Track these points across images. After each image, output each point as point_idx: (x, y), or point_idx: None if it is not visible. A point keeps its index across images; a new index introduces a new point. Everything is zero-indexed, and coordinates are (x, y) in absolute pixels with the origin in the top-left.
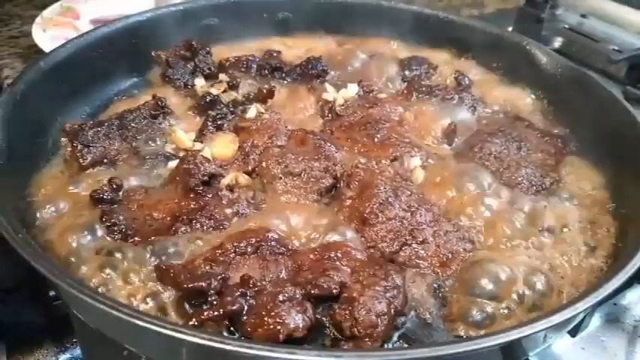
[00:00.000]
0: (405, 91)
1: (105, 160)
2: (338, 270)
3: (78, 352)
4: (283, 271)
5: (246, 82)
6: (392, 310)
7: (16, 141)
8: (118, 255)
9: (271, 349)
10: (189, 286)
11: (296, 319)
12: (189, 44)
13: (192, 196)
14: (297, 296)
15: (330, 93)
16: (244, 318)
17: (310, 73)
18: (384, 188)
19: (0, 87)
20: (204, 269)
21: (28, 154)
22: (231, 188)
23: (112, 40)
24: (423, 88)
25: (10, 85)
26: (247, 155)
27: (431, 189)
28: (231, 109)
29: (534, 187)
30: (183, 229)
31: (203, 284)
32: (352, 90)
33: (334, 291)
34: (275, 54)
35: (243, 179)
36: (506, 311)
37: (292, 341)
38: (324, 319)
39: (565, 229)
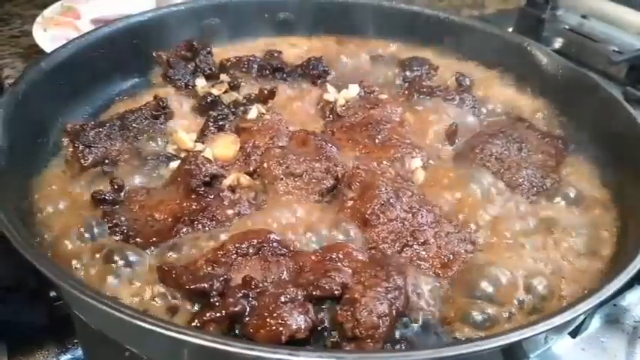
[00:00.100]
0: (406, 92)
1: (106, 161)
2: (339, 271)
3: (79, 352)
4: (285, 273)
5: (247, 82)
6: (393, 312)
7: (18, 141)
8: (120, 256)
9: (274, 350)
10: (192, 287)
11: (298, 321)
12: (190, 44)
13: (193, 196)
14: (299, 297)
15: (331, 94)
16: (246, 319)
17: (311, 73)
18: (386, 189)
19: (1, 86)
20: (206, 270)
21: (30, 154)
22: (232, 189)
23: (113, 41)
24: (424, 89)
25: (12, 86)
26: (248, 156)
27: (432, 190)
28: (233, 110)
29: (535, 189)
30: (184, 230)
31: (205, 285)
32: (353, 91)
33: (336, 292)
34: (276, 54)
35: (245, 180)
36: (506, 314)
37: (294, 342)
38: (325, 320)
39: (566, 231)
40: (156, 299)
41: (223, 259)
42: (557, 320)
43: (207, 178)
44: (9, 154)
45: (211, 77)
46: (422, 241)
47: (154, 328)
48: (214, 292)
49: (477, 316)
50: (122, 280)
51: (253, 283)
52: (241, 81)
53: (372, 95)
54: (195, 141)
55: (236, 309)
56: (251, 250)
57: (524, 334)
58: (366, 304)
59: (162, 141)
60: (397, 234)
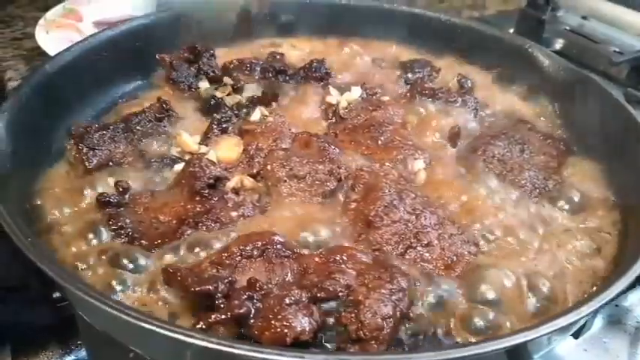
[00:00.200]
0: (408, 94)
1: (110, 163)
2: (343, 273)
3: (83, 353)
4: (289, 274)
5: (250, 85)
6: (397, 313)
7: (22, 144)
8: (125, 258)
9: (280, 352)
10: (197, 289)
11: (302, 322)
12: (192, 47)
13: (198, 199)
14: (304, 299)
15: (333, 96)
16: (251, 321)
17: (314, 75)
18: (389, 191)
19: (3, 89)
20: (211, 272)
21: (34, 157)
22: (236, 191)
23: (116, 43)
24: (426, 91)
25: (16, 89)
26: (252, 158)
27: (435, 191)
28: (236, 112)
29: (537, 190)
30: (189, 232)
31: (210, 287)
32: (355, 93)
33: (340, 294)
34: (278, 56)
35: (248, 182)
36: (508, 323)
37: (298, 344)
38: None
39: (568, 232)
40: (159, 301)
41: (228, 261)
42: (562, 322)
43: (211, 181)
44: (13, 156)
45: (214, 80)
46: (425, 242)
47: (161, 330)
48: (219, 294)
49: (478, 321)
50: (127, 281)
51: (258, 285)
52: (244, 83)
53: (374, 97)
54: (199, 143)
55: (241, 311)
56: (255, 252)
57: (528, 335)
58: (370, 306)
59: (166, 143)
60: (401, 236)
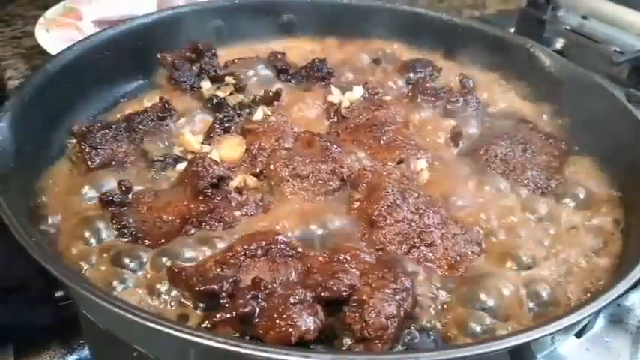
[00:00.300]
0: (410, 94)
1: (113, 163)
2: (347, 272)
3: (85, 352)
4: (293, 274)
5: (251, 84)
6: (402, 313)
7: (24, 143)
8: (128, 257)
9: (285, 352)
10: (202, 288)
11: (307, 322)
12: (194, 46)
13: (201, 198)
14: (308, 298)
15: (335, 95)
16: (256, 320)
17: (315, 75)
18: (392, 191)
19: (3, 87)
20: (215, 272)
21: (36, 156)
22: (239, 191)
23: (117, 43)
24: (428, 91)
25: (18, 88)
26: (255, 158)
27: (437, 191)
28: (238, 112)
29: (540, 190)
30: (193, 231)
31: (215, 287)
32: (357, 92)
33: (344, 293)
34: (280, 56)
35: (251, 182)
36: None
37: (302, 343)
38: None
39: (571, 231)
40: (165, 301)
41: (232, 261)
42: (566, 321)
43: (214, 180)
44: (16, 156)
45: (216, 79)
46: (429, 242)
47: (167, 330)
48: (224, 294)
49: (476, 326)
50: (130, 280)
51: (262, 284)
52: (246, 83)
53: (376, 97)
54: (202, 143)
55: (246, 310)
56: (259, 252)
57: (532, 335)
58: (375, 306)
59: (169, 143)
60: (404, 235)
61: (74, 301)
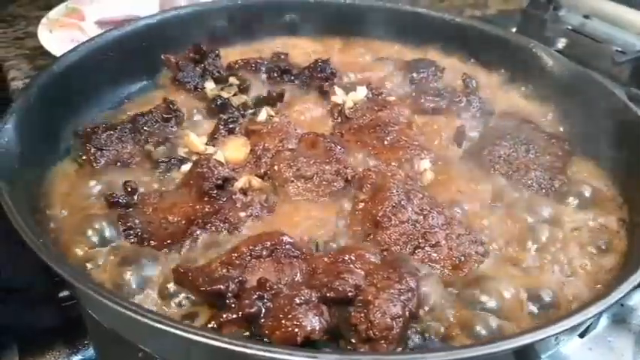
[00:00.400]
0: (413, 94)
1: (118, 164)
2: (352, 273)
3: (90, 353)
4: (298, 274)
5: (255, 85)
6: (407, 313)
7: (30, 144)
8: (134, 258)
9: (291, 352)
10: (208, 289)
11: (313, 322)
12: (198, 47)
13: (206, 199)
14: (314, 299)
15: (339, 96)
16: (262, 320)
17: (319, 75)
18: (397, 191)
19: (6, 88)
20: (221, 272)
21: (42, 157)
22: (244, 191)
23: (121, 44)
24: (431, 91)
25: (24, 90)
26: (259, 158)
27: (441, 191)
28: (242, 113)
29: (544, 190)
30: (198, 232)
31: (221, 287)
32: (361, 93)
33: (349, 294)
34: (283, 56)
35: (256, 182)
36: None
37: (307, 344)
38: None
39: (576, 230)
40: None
41: (237, 261)
42: (571, 322)
43: (219, 181)
44: (22, 156)
45: (220, 80)
46: (433, 242)
47: (175, 331)
48: (230, 294)
49: (480, 329)
50: (136, 281)
51: (268, 285)
52: (250, 84)
53: (379, 97)
54: (206, 144)
55: (252, 310)
56: (264, 253)
57: (538, 335)
58: (380, 306)
59: (174, 144)
60: (409, 236)
61: (79, 301)
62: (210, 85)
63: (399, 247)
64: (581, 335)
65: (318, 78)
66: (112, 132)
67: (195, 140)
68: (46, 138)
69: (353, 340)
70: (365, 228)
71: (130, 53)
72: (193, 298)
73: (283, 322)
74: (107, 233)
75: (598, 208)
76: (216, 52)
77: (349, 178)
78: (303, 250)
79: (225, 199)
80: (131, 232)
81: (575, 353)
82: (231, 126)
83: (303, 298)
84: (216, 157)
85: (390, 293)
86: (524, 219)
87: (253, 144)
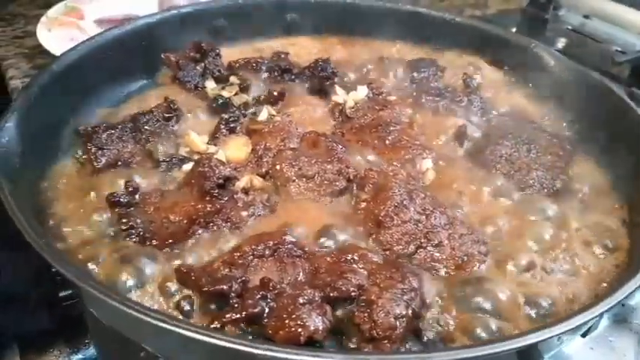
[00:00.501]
0: (414, 93)
1: (119, 163)
2: (355, 272)
3: (91, 352)
4: (301, 274)
5: (256, 84)
6: (410, 313)
7: (30, 143)
8: (137, 257)
9: (297, 352)
10: (211, 289)
11: (316, 322)
12: (198, 46)
13: (208, 198)
14: (317, 299)
15: (339, 95)
16: (265, 320)
17: (320, 75)
18: (399, 191)
19: (5, 87)
20: (224, 272)
21: (42, 156)
22: (245, 191)
23: (122, 42)
24: (432, 90)
25: (24, 89)
26: (260, 158)
27: (443, 191)
28: (243, 112)
29: (545, 190)
30: (200, 231)
31: (224, 287)
32: (362, 92)
33: (352, 293)
34: (283, 55)
35: (258, 182)
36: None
37: (310, 343)
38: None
39: (579, 231)
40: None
41: (240, 261)
42: (574, 322)
43: (220, 181)
44: (22, 156)
45: (220, 79)
46: (436, 242)
47: (180, 330)
48: (233, 294)
49: (480, 331)
50: (139, 280)
51: (271, 284)
52: (251, 83)
53: (380, 97)
54: (207, 143)
55: (255, 310)
56: (267, 252)
57: (541, 335)
58: (383, 306)
59: (175, 143)
60: (411, 236)
61: (81, 300)
62: (210, 85)
63: (401, 246)
64: (583, 335)
65: (319, 77)
66: (112, 131)
67: (196, 139)
68: (47, 137)
69: (354, 339)
70: (367, 228)
71: (130, 52)
72: (194, 297)
73: (287, 322)
74: (107, 232)
75: (599, 208)
76: (217, 50)
77: (351, 177)
78: (305, 249)
79: (226, 198)
80: (132, 231)
81: (577, 353)
82: (232, 125)
83: (306, 297)
84: (217, 156)
85: (393, 293)
86: (526, 219)
87: (255, 143)
